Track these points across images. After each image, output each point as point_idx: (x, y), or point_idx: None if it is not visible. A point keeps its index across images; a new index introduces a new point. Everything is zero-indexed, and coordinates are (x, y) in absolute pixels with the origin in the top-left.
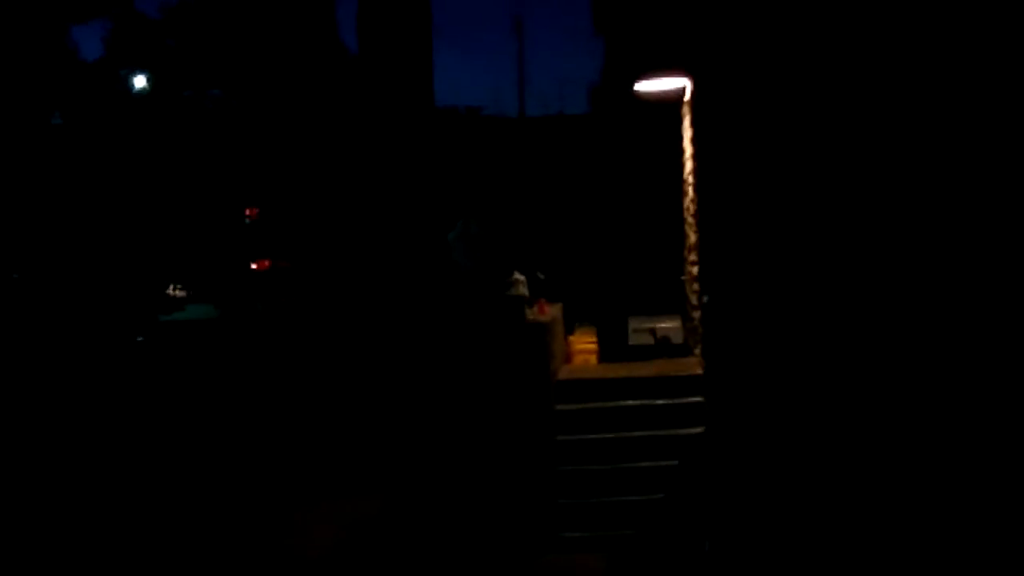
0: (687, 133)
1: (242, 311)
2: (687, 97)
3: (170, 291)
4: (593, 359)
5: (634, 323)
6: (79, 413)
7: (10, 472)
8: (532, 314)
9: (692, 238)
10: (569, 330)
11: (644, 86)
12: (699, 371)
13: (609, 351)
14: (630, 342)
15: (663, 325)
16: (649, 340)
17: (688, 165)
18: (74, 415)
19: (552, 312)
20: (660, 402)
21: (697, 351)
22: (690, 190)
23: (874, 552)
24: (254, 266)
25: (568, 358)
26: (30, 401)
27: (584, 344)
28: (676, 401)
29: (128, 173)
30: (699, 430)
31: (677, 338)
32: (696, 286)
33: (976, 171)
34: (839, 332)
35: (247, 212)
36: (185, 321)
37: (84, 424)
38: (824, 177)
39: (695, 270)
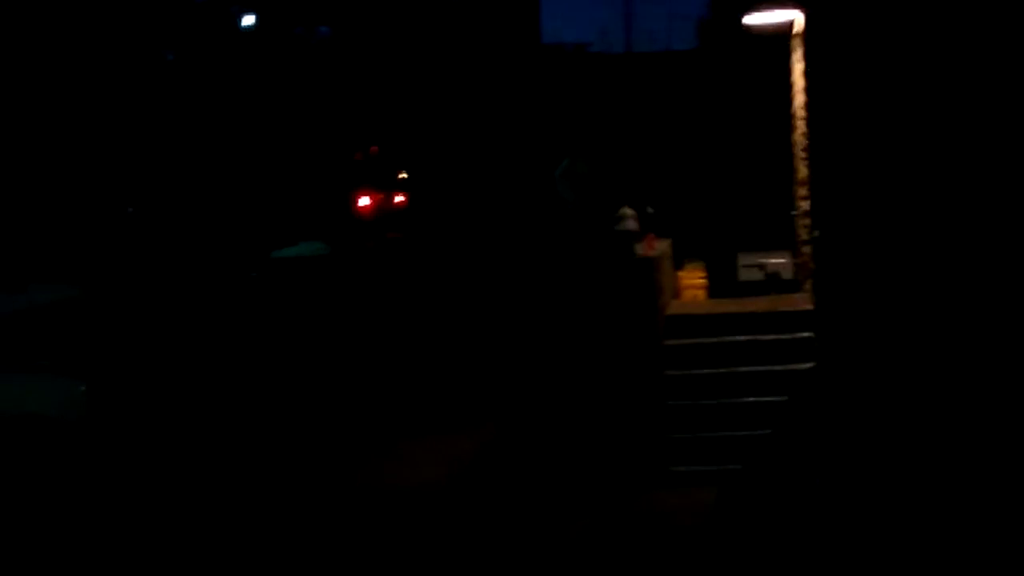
0: (797, 67)
1: (352, 247)
2: (798, 30)
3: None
4: (702, 294)
5: (743, 258)
6: (196, 348)
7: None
8: (641, 249)
9: (803, 172)
10: (678, 265)
11: (753, 19)
12: (809, 307)
13: (718, 286)
14: (739, 277)
15: (773, 260)
16: (758, 276)
17: (798, 99)
18: (191, 350)
19: (661, 247)
20: (769, 337)
21: (807, 286)
22: (801, 124)
23: (993, 490)
24: (367, 201)
25: (677, 293)
26: (158, 337)
27: (693, 279)
28: (785, 336)
29: (238, 109)
30: (809, 365)
31: (787, 273)
32: (807, 221)
33: None
34: (963, 268)
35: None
36: (296, 258)
37: (197, 358)
38: (946, 109)
39: (806, 205)
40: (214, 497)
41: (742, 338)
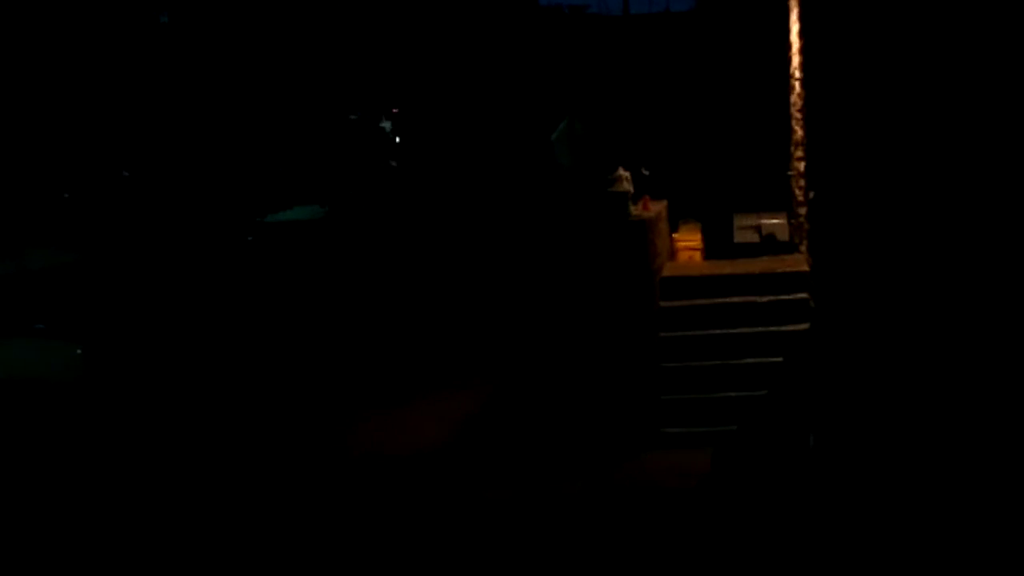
0: (794, 27)
1: (348, 211)
2: None
3: None
4: (698, 256)
5: (739, 220)
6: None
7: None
8: (636, 210)
9: (799, 133)
10: (673, 227)
11: None
12: (805, 268)
13: (714, 248)
14: (735, 239)
15: (768, 222)
16: (754, 237)
17: (795, 60)
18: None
19: (656, 208)
20: (765, 299)
21: (803, 248)
22: (797, 85)
23: (983, 450)
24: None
25: (672, 255)
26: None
27: (689, 241)
28: (781, 298)
29: (233, 72)
30: (805, 327)
31: (783, 235)
32: (802, 182)
33: None
34: (958, 229)
35: None
36: (291, 222)
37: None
38: (942, 70)
39: (802, 166)
40: (207, 458)
41: (738, 299)
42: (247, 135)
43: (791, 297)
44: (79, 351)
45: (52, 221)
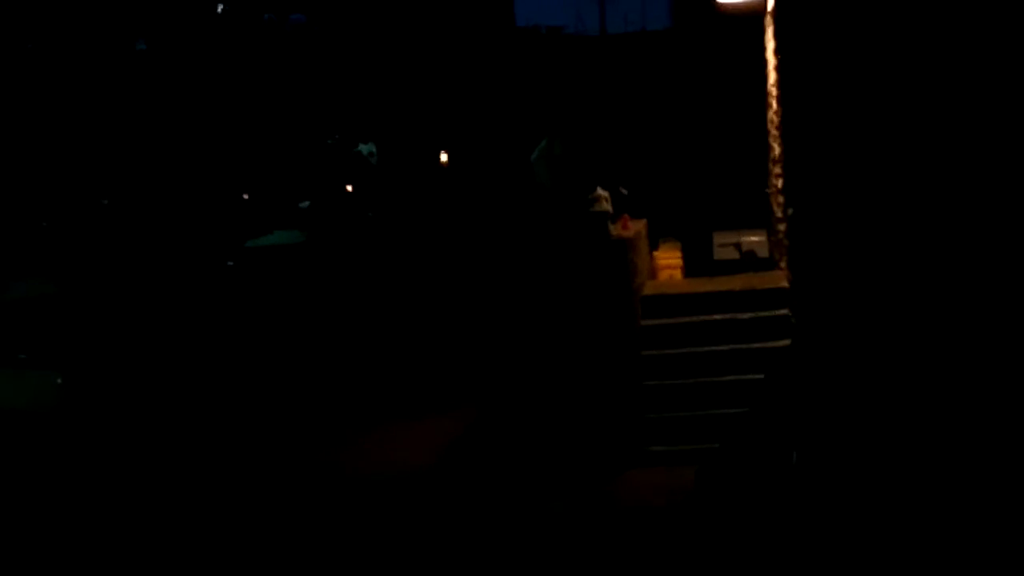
0: (770, 44)
1: (328, 235)
2: (770, 7)
3: None
4: (678, 274)
5: (719, 237)
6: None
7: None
8: (616, 230)
9: (776, 150)
10: (653, 245)
11: None
12: (785, 284)
13: (694, 266)
14: (715, 256)
15: (748, 239)
16: (734, 254)
17: (771, 77)
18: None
19: (636, 227)
20: (746, 316)
21: (783, 264)
22: (774, 102)
23: (967, 466)
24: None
25: (653, 273)
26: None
27: (669, 259)
28: (762, 315)
29: (211, 98)
30: (786, 343)
31: (762, 251)
32: (781, 199)
33: None
34: (935, 244)
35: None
36: (272, 247)
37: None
38: (915, 86)
39: (780, 182)
40: (192, 486)
41: (719, 317)
42: (225, 161)
43: (772, 313)
44: (60, 380)
45: (31, 251)
